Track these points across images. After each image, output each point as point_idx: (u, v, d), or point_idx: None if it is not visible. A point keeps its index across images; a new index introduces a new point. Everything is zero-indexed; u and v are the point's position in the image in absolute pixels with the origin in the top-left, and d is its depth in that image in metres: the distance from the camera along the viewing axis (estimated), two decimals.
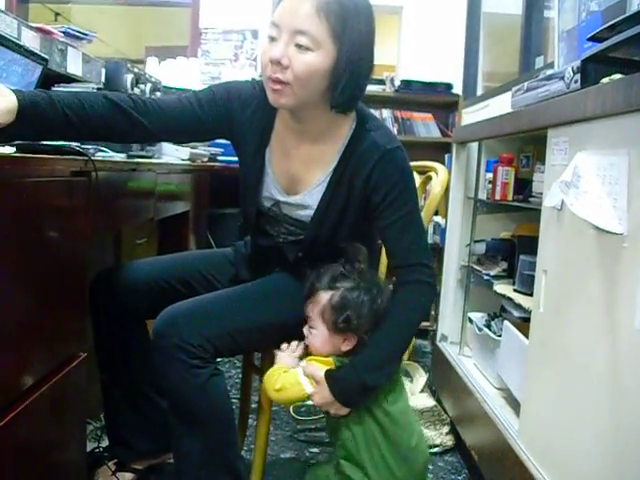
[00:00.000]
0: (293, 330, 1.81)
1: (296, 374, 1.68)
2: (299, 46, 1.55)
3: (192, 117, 1.75)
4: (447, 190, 2.94)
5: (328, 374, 1.66)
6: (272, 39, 1.59)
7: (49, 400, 1.43)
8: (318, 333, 1.71)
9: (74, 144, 1.55)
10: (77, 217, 1.53)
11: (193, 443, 1.70)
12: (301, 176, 1.79)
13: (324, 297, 1.69)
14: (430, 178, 2.05)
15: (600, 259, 1.43)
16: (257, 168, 1.82)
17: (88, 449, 2.01)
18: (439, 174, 2.03)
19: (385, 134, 1.76)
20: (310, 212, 1.78)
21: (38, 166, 1.32)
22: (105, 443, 2.19)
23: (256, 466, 1.97)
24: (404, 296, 1.73)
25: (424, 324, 4.09)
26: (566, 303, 1.60)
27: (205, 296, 1.82)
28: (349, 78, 1.61)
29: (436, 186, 2.00)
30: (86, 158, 1.49)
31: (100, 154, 1.77)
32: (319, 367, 1.68)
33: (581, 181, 1.45)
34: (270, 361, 1.92)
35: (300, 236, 1.84)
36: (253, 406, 2.45)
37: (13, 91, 1.43)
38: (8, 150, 1.37)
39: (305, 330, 1.74)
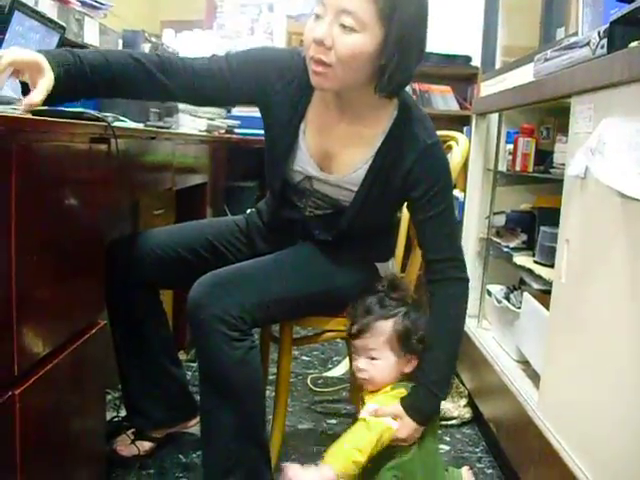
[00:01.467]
0: (326, 301, 1.81)
1: (381, 422, 1.62)
2: (343, 26, 1.49)
3: (220, 84, 1.71)
4: (466, 163, 2.91)
5: (405, 404, 1.65)
6: (317, 17, 1.53)
7: (69, 367, 1.43)
8: (384, 363, 1.67)
9: (92, 112, 1.54)
10: (96, 184, 1.53)
11: (226, 416, 1.68)
12: (337, 155, 1.76)
13: (386, 325, 1.67)
14: (450, 148, 2.03)
15: (625, 227, 1.40)
16: (288, 140, 1.77)
17: (107, 418, 2.03)
18: (460, 143, 2.00)
19: (426, 127, 1.73)
20: (344, 192, 1.76)
21: (57, 130, 1.31)
22: (124, 412, 2.20)
23: (274, 437, 1.97)
24: (449, 301, 1.75)
25: None
26: (589, 273, 1.58)
27: (239, 266, 1.79)
28: (397, 63, 1.55)
29: (457, 156, 1.97)
30: (105, 124, 1.47)
31: (118, 123, 1.76)
32: (389, 402, 1.67)
33: (606, 148, 1.42)
34: (289, 333, 1.93)
35: (328, 210, 1.82)
36: (271, 377, 2.46)
37: (49, 61, 1.42)
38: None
39: (363, 364, 1.68)
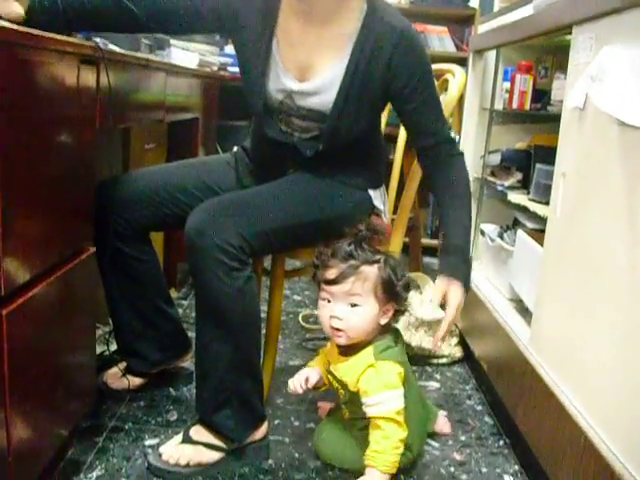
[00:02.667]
0: (324, 229, 1.79)
1: (396, 409, 1.62)
2: None
3: (189, 9, 1.71)
4: (461, 102, 2.88)
5: (449, 273, 1.67)
6: None
7: (57, 291, 1.42)
8: (366, 310, 1.62)
9: (81, 36, 1.50)
10: (85, 108, 1.49)
11: (222, 348, 1.67)
12: (314, 63, 1.73)
13: (371, 271, 1.62)
14: (447, 81, 1.99)
15: (623, 158, 1.38)
16: (262, 55, 1.75)
17: (97, 352, 2.02)
18: (457, 76, 1.96)
19: (399, 18, 1.72)
20: (326, 98, 1.73)
21: (47, 45, 1.27)
22: (114, 347, 2.20)
23: (265, 373, 1.98)
24: (455, 173, 1.78)
25: (432, 241, 4.08)
26: (585, 206, 1.56)
27: (237, 195, 1.77)
28: None
29: (453, 88, 1.94)
30: (93, 44, 1.43)
31: (110, 47, 1.71)
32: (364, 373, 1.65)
33: (606, 75, 1.39)
34: (282, 265, 1.91)
35: (315, 132, 1.80)
36: (262, 316, 2.45)
37: None
38: None
39: (341, 311, 1.62)
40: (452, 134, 1.79)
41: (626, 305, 1.34)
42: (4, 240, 1.14)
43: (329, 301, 1.63)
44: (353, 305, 1.61)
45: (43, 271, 1.35)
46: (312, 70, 1.74)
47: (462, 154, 1.81)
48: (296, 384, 1.73)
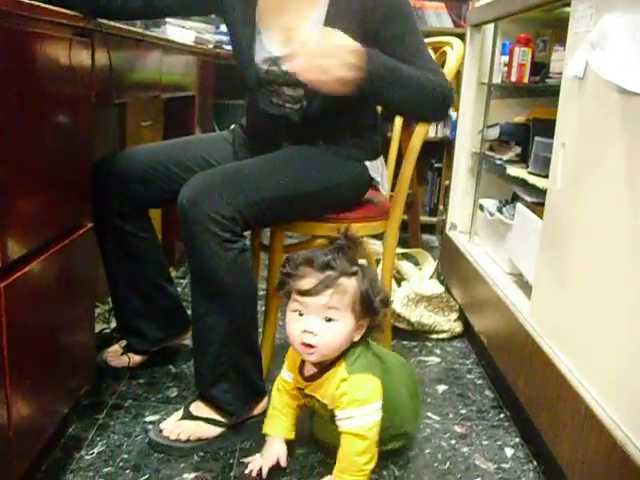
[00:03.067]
0: (319, 201, 1.80)
1: (371, 425, 1.50)
2: None
3: None
4: (459, 77, 2.86)
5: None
6: None
7: (55, 266, 1.42)
8: (342, 325, 1.47)
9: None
10: (81, 79, 1.48)
11: (218, 321, 1.67)
12: (295, 24, 1.75)
13: (351, 284, 1.47)
14: (445, 53, 1.97)
15: (623, 125, 1.37)
16: (248, 28, 1.79)
17: (96, 330, 2.02)
18: (455, 48, 1.94)
19: None
20: None
21: (42, 14, 1.26)
22: (113, 325, 2.20)
23: (265, 349, 1.97)
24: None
25: (430, 219, 4.08)
26: (585, 176, 1.55)
27: (230, 166, 1.77)
28: None
29: (452, 60, 1.92)
30: (87, 14, 1.42)
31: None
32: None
33: (607, 42, 1.38)
34: (280, 240, 1.90)
35: (305, 102, 1.79)
36: (261, 293, 2.45)
37: None
38: None
39: (315, 326, 1.46)
40: (439, 69, 1.75)
41: (627, 275, 1.33)
42: (2, 214, 1.13)
43: (301, 314, 1.48)
44: (328, 320, 1.46)
45: (41, 246, 1.34)
46: (294, 33, 1.74)
47: (452, 91, 1.73)
48: (256, 469, 1.61)
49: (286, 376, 1.66)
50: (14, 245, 1.20)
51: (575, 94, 1.60)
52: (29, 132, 1.25)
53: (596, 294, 1.46)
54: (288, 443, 1.68)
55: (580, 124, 1.59)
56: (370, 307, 1.49)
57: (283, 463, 1.62)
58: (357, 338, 1.53)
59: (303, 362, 1.60)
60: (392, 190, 2.11)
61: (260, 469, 1.60)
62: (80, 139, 1.53)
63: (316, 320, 1.46)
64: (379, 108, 2.00)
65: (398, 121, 2.34)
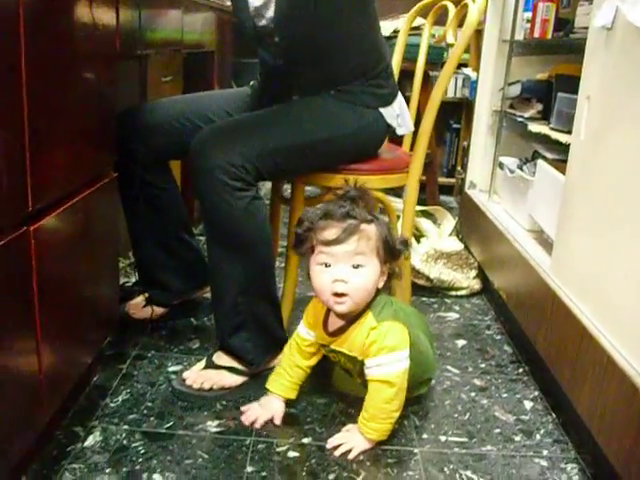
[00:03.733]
0: (333, 149, 1.80)
1: (400, 371, 1.54)
2: None
3: None
4: (480, 35, 2.84)
5: None
6: None
7: (82, 213, 1.43)
8: (369, 271, 1.50)
9: None
10: (104, 28, 1.49)
11: (232, 269, 1.68)
12: None
13: (372, 230, 1.50)
14: (466, 7, 1.95)
15: None
16: None
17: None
18: (477, 0, 1.92)
19: None
20: None
21: None
22: (134, 279, 2.22)
23: (285, 304, 1.98)
24: None
25: (448, 180, 4.07)
26: (610, 128, 1.54)
27: (241, 117, 1.78)
28: None
29: (473, 12, 1.89)
30: None
31: None
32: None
33: None
34: (301, 192, 1.91)
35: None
36: (280, 250, 2.46)
37: None
38: None
39: (345, 274, 1.48)
40: None
41: None
42: (32, 158, 1.14)
43: (328, 265, 1.50)
44: (356, 266, 1.49)
45: (67, 194, 1.35)
46: None
47: None
48: (251, 418, 1.64)
49: (303, 332, 1.68)
50: (42, 191, 1.21)
51: (602, 45, 1.58)
52: (56, 81, 1.25)
53: (620, 246, 1.46)
54: (307, 394, 1.72)
55: (606, 76, 1.57)
56: (393, 250, 1.53)
57: (277, 421, 1.64)
58: (381, 285, 1.56)
59: (327, 318, 1.62)
60: (411, 149, 2.10)
61: (254, 420, 1.63)
62: (104, 89, 1.53)
63: (345, 268, 1.48)
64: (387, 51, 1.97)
65: (418, 80, 2.33)
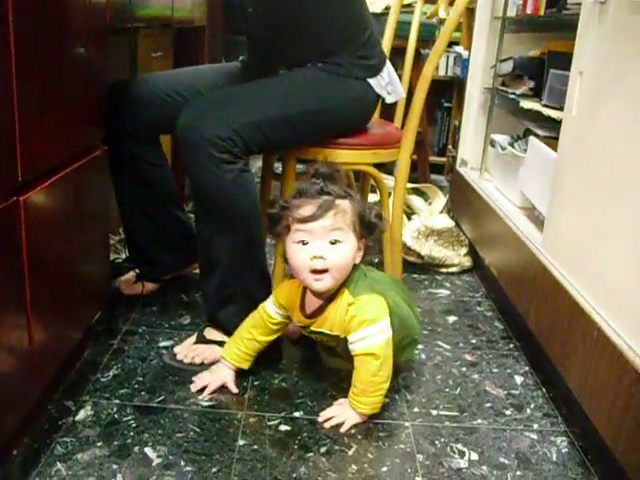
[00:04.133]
0: (322, 121, 1.78)
1: (383, 342, 1.53)
2: None
3: None
4: (472, 13, 2.82)
5: None
6: None
7: (72, 184, 1.43)
8: (347, 247, 1.50)
9: None
10: (93, 1, 1.47)
11: (222, 242, 1.68)
12: None
13: (347, 204, 1.51)
14: None
15: None
16: None
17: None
18: None
19: None
20: None
21: None
22: (125, 255, 2.21)
23: (276, 277, 1.97)
24: None
25: (439, 159, 4.07)
26: (603, 104, 1.54)
27: (228, 90, 1.77)
28: None
29: None
30: None
31: None
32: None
33: None
34: (292, 167, 1.90)
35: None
36: None
37: None
38: None
39: (323, 250, 1.48)
40: None
41: None
42: (21, 128, 1.13)
43: (305, 243, 1.49)
44: (333, 242, 1.48)
45: (57, 165, 1.35)
46: None
47: None
48: (199, 386, 1.66)
49: (271, 310, 1.67)
50: (32, 161, 1.20)
51: (595, 20, 1.57)
52: (46, 51, 1.24)
53: (610, 221, 1.46)
54: (298, 368, 1.74)
55: (598, 51, 1.57)
56: (368, 224, 1.54)
57: (233, 389, 1.64)
58: (358, 260, 1.57)
59: (303, 300, 1.62)
60: (403, 126, 2.10)
61: (203, 388, 1.64)
62: (95, 61, 1.52)
63: (322, 244, 1.48)
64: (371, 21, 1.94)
65: (409, 57, 2.31)
